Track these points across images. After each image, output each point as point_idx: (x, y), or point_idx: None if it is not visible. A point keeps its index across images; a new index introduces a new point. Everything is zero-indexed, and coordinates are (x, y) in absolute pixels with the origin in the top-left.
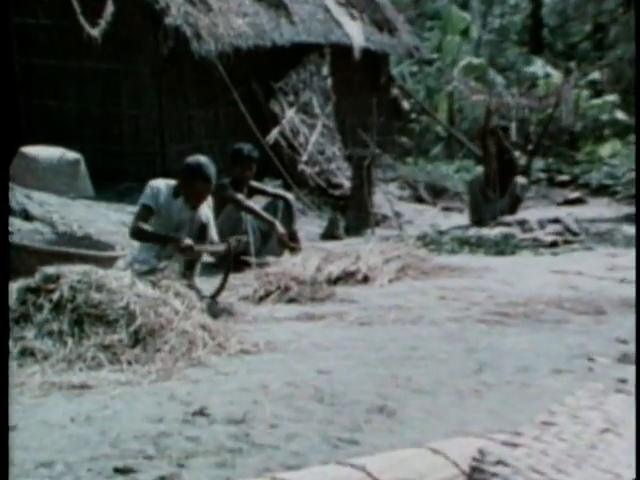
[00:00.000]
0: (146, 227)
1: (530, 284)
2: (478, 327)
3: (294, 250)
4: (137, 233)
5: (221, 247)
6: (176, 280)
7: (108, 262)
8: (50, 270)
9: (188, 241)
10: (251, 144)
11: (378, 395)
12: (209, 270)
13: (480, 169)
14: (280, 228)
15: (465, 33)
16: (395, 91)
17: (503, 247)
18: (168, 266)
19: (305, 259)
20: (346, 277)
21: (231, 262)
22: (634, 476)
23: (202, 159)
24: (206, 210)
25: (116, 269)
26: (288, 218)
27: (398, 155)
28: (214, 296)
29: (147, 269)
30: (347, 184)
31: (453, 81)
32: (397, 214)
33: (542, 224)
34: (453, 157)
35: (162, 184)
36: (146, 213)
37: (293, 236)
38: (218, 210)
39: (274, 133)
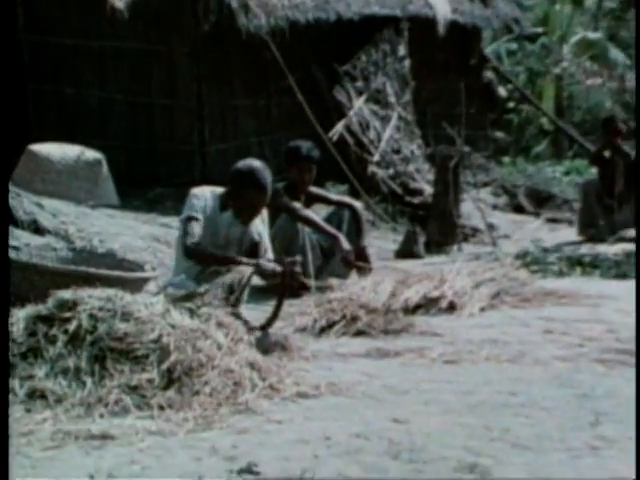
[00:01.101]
0: (203, 245)
1: None
2: (594, 368)
3: (363, 271)
4: (195, 253)
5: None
6: (219, 308)
7: (136, 285)
8: (65, 295)
9: (269, 265)
10: (310, 141)
11: (468, 450)
12: (259, 295)
13: (595, 171)
14: (345, 244)
15: (578, 2)
16: (489, 74)
17: (625, 269)
18: (209, 290)
19: (376, 282)
20: (427, 304)
21: (286, 286)
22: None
23: (256, 164)
24: (259, 225)
25: (146, 294)
26: (355, 231)
27: (492, 154)
28: (265, 327)
29: (184, 294)
30: (428, 190)
31: (562, 61)
32: (490, 226)
33: None
34: (561, 156)
35: (208, 193)
36: (197, 227)
37: (361, 253)
38: (270, 222)
39: (339, 127)
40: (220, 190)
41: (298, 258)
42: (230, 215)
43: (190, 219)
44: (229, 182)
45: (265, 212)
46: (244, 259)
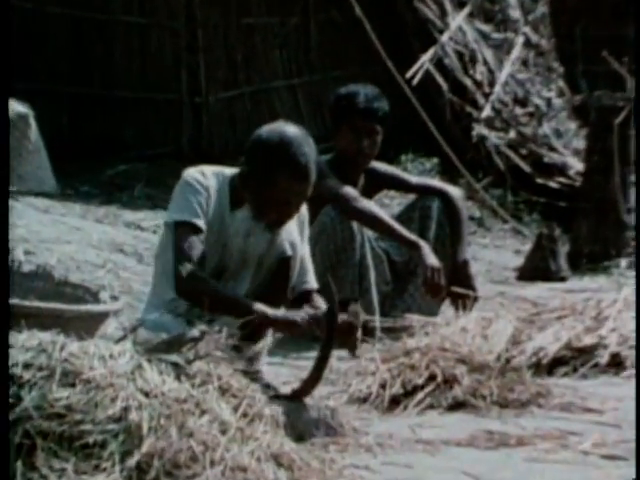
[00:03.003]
0: (206, 276)
1: None
2: None
3: (462, 301)
4: (193, 292)
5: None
6: (223, 363)
7: (86, 325)
8: None
9: (306, 317)
10: (374, 86)
11: None
12: (290, 342)
13: None
14: (432, 257)
15: None
16: None
17: None
18: (208, 334)
19: (486, 321)
20: (574, 358)
21: (334, 332)
22: None
23: (291, 132)
24: (293, 232)
25: (103, 339)
26: (450, 236)
27: None
28: (300, 395)
29: (165, 340)
30: (576, 166)
31: None
32: None
33: None
34: None
35: (211, 177)
36: (196, 244)
37: (460, 273)
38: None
39: (424, 61)
40: (230, 172)
41: (357, 312)
42: (247, 215)
43: (184, 227)
44: (247, 161)
45: (304, 209)
46: (270, 311)
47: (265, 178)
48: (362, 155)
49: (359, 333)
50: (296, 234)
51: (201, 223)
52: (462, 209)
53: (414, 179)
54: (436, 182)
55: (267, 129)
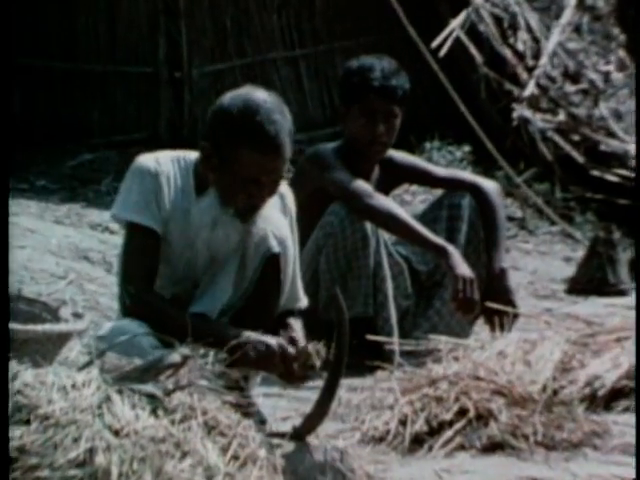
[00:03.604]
0: (154, 299)
1: None
2: None
3: (498, 318)
4: (141, 315)
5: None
6: (212, 392)
7: (43, 348)
8: None
9: (269, 340)
10: (391, 59)
11: None
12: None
13: None
14: (462, 266)
15: None
16: None
17: None
18: (190, 358)
19: (528, 343)
20: (637, 391)
21: (344, 356)
22: None
23: (258, 96)
24: (280, 226)
25: (63, 365)
26: (485, 240)
27: None
28: (302, 433)
29: (140, 365)
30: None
31: None
32: None
33: None
34: None
35: (168, 163)
36: (147, 250)
37: (498, 284)
38: (310, 221)
39: (454, 27)
40: (192, 156)
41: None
42: (213, 202)
43: (133, 232)
44: (208, 134)
45: (289, 194)
46: (240, 333)
47: (228, 152)
48: (377, 142)
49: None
50: (286, 230)
51: (152, 224)
52: (499, 207)
53: (441, 171)
54: (467, 174)
55: (230, 95)
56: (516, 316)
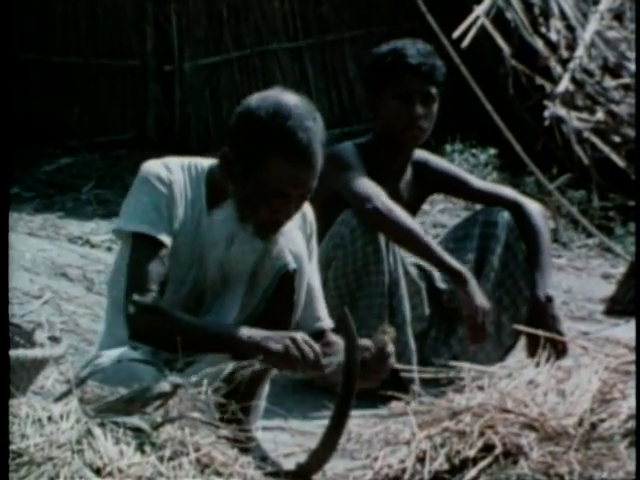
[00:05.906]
0: (166, 310)
1: None
2: None
3: (549, 347)
4: (148, 329)
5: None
6: (206, 426)
7: (18, 375)
8: None
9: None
10: (420, 43)
11: None
12: (295, 396)
13: None
14: (479, 295)
15: None
16: None
17: None
18: (183, 387)
19: (562, 371)
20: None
21: (353, 385)
22: None
23: (290, 100)
24: (296, 241)
25: (39, 395)
26: (526, 264)
27: None
28: (307, 471)
29: (125, 395)
30: None
31: None
32: None
33: None
34: None
35: (178, 171)
36: (156, 267)
37: (542, 312)
38: (322, 226)
39: (478, 14)
40: (208, 164)
41: (389, 331)
42: (230, 216)
43: (142, 244)
44: (230, 140)
45: (309, 212)
46: (258, 335)
47: (253, 161)
48: (414, 127)
49: (392, 360)
50: (302, 245)
51: (164, 236)
52: (544, 229)
53: (480, 184)
54: (510, 191)
55: (258, 97)
56: (564, 348)
